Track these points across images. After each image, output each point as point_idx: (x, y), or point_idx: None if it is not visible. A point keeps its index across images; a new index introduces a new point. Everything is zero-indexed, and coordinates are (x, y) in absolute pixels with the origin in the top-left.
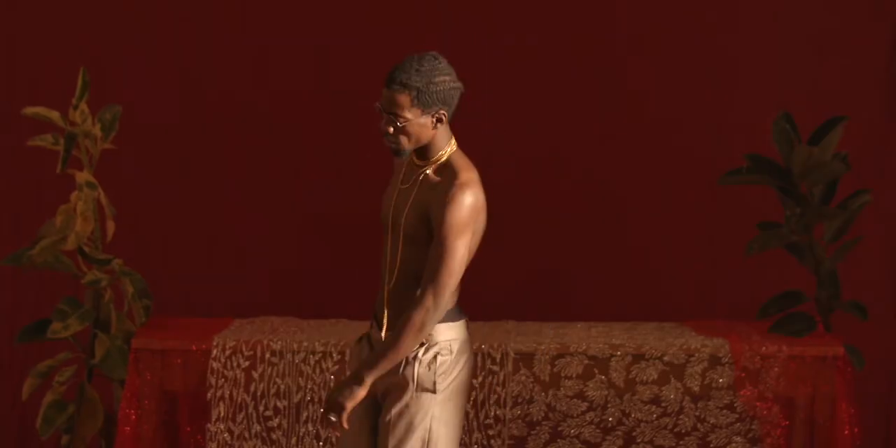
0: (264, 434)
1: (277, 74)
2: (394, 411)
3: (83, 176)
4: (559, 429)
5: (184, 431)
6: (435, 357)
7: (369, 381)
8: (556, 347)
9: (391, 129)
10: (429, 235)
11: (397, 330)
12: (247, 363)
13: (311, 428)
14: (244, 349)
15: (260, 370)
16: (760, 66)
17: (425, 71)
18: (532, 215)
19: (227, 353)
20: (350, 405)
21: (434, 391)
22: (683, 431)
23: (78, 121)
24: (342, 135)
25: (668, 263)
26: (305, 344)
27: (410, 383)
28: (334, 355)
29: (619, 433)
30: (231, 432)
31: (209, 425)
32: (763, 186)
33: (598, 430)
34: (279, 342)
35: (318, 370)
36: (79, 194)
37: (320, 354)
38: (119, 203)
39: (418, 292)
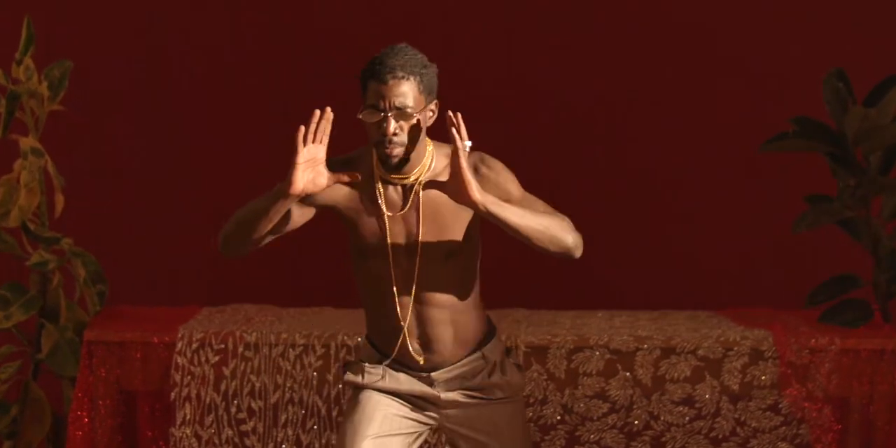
0: (237, 439)
1: (250, 30)
2: (501, 422)
3: (28, 142)
4: (577, 433)
5: (144, 436)
6: (511, 366)
7: (487, 199)
8: (574, 340)
9: (401, 129)
10: (466, 239)
11: (547, 217)
12: (216, 358)
13: (290, 432)
14: (213, 342)
15: (232, 366)
16: (809, 16)
17: (416, 57)
18: (546, 186)
19: (194, 346)
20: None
21: (519, 396)
22: (720, 436)
23: (22, 78)
24: (317, 101)
25: (703, 244)
26: (284, 336)
27: (504, 391)
28: (318, 349)
29: (646, 438)
30: (198, 437)
31: (173, 429)
32: (812, 154)
33: (621, 435)
34: (254, 334)
35: (298, 366)
36: (23, 163)
37: (301, 348)
38: (69, 173)
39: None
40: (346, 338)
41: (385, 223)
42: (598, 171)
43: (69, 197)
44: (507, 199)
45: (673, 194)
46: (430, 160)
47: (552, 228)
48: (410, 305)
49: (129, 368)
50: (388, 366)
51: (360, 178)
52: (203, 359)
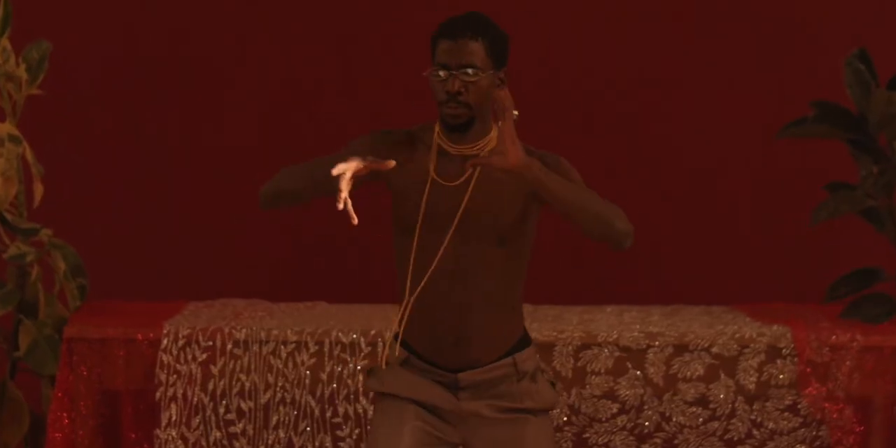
0: (225, 442)
1: (234, 12)
2: (528, 444)
3: (5, 128)
4: (584, 435)
5: (127, 438)
6: (544, 379)
7: (537, 176)
8: (581, 336)
9: (466, 89)
10: (519, 227)
11: (585, 190)
12: (204, 356)
13: (281, 434)
14: (201, 339)
15: (220, 364)
16: None
17: (489, 23)
18: None
19: (180, 343)
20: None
21: (551, 410)
22: (736, 438)
23: None
24: (308, 89)
25: (717, 234)
26: (275, 332)
27: (534, 400)
28: (310, 346)
29: (658, 441)
30: (185, 440)
31: (158, 431)
32: (832, 140)
33: (631, 437)
34: (243, 330)
35: (290, 364)
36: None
37: (293, 345)
38: (48, 161)
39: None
40: (340, 334)
41: (437, 194)
42: (608, 160)
43: (48, 186)
44: (521, 213)
45: (686, 182)
46: (494, 143)
47: (600, 208)
48: (451, 292)
49: (111, 367)
50: (412, 366)
51: (394, 164)
52: (189, 356)
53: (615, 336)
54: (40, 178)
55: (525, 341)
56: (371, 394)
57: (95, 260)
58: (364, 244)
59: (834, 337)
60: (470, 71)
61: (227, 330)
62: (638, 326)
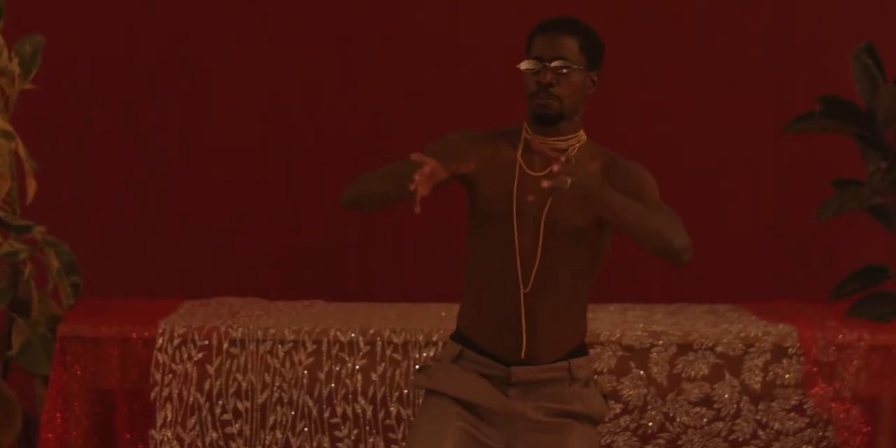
0: (221, 442)
1: (232, 6)
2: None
3: None
4: None
5: (122, 439)
6: (597, 389)
7: (606, 197)
8: None
9: (558, 82)
10: (593, 229)
11: (644, 208)
12: (200, 355)
13: (278, 435)
14: (196, 338)
15: (216, 363)
16: None
17: (586, 25)
18: None
19: (176, 342)
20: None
21: (600, 423)
22: (741, 439)
23: None
24: (308, 89)
25: (722, 232)
26: (272, 331)
27: (584, 404)
28: (308, 345)
29: (661, 442)
30: (180, 440)
31: (153, 432)
32: (839, 136)
33: (634, 438)
34: (240, 329)
35: (288, 363)
36: None
37: (291, 344)
38: (41, 157)
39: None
40: (338, 333)
41: (524, 185)
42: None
43: (42, 182)
44: (639, 197)
45: (691, 179)
46: (581, 142)
47: (659, 227)
48: (526, 285)
49: (105, 366)
50: (466, 360)
51: (474, 167)
52: (185, 356)
53: (618, 335)
54: (33, 174)
55: (583, 349)
56: (371, 393)
57: (89, 258)
58: (363, 242)
59: (841, 336)
60: (564, 64)
61: (223, 329)
62: (641, 325)
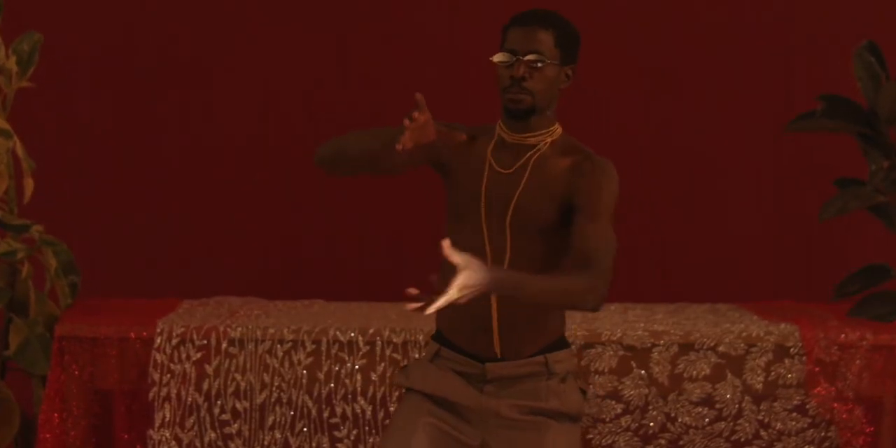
0: (220, 443)
1: (229, 2)
2: (547, 445)
3: None
4: (588, 437)
5: (120, 439)
6: (575, 384)
7: (516, 294)
8: (584, 335)
9: (531, 75)
10: (559, 224)
11: (559, 281)
12: (198, 355)
13: (277, 435)
14: (195, 337)
15: (215, 363)
16: None
17: (562, 18)
18: None
19: (174, 342)
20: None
21: (579, 420)
22: (743, 439)
23: None
24: (306, 87)
25: (724, 231)
26: (272, 331)
27: (561, 401)
28: (307, 345)
29: (663, 442)
30: (179, 441)
31: (151, 432)
32: (841, 134)
33: (636, 438)
34: (238, 329)
35: (287, 363)
36: None
37: (290, 344)
38: (39, 156)
39: (584, 275)
40: (338, 333)
41: (493, 181)
42: (613, 155)
43: (39, 181)
44: (588, 200)
45: (693, 178)
46: (554, 137)
47: (572, 295)
48: None
49: (103, 366)
50: (442, 358)
51: (465, 138)
52: (184, 355)
53: (619, 334)
54: (31, 173)
55: (562, 343)
56: (371, 393)
57: (88, 257)
58: (362, 242)
59: (843, 336)
60: (537, 58)
61: (222, 328)
62: (642, 325)
